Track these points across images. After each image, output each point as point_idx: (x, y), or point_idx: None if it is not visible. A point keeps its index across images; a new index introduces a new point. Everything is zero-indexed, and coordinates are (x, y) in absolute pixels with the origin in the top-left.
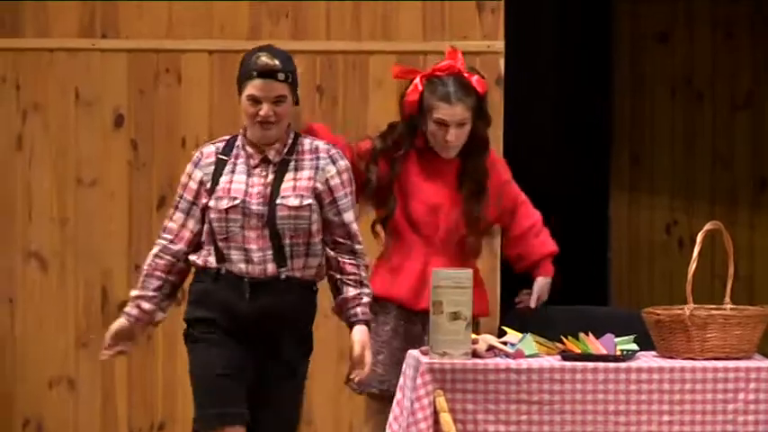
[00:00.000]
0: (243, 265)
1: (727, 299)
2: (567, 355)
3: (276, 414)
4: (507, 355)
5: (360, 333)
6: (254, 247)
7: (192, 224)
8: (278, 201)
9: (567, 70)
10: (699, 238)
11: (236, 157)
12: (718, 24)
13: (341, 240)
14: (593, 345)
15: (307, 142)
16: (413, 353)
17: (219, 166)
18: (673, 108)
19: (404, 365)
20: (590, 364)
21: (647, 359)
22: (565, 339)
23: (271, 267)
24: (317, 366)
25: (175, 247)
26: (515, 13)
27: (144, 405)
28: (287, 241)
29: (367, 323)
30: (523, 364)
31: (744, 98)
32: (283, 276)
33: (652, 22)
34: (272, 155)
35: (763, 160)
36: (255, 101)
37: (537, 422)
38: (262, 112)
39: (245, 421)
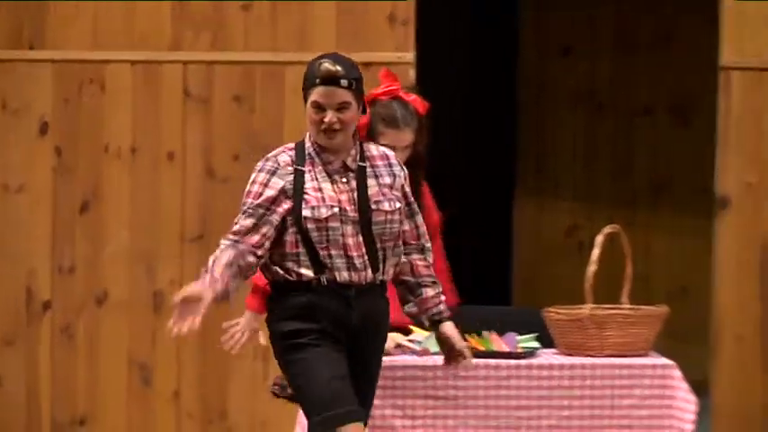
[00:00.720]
0: (346, 273)
1: (625, 298)
2: (473, 353)
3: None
4: (414, 353)
5: (451, 328)
6: (354, 253)
7: (265, 229)
8: (373, 206)
9: (476, 81)
10: (598, 240)
11: (312, 165)
12: (618, 38)
13: (412, 242)
14: (497, 342)
15: (372, 148)
16: None
17: (299, 174)
18: (575, 118)
19: None
20: (493, 361)
21: (548, 356)
22: (469, 337)
23: (369, 273)
24: (233, 361)
25: (241, 246)
26: (426, 25)
27: (66, 401)
28: (380, 245)
29: (450, 319)
30: (429, 361)
31: (642, 109)
32: (378, 281)
33: (556, 36)
34: (349, 161)
35: (659, 167)
36: (319, 108)
37: (442, 417)
38: (326, 119)
39: (365, 419)
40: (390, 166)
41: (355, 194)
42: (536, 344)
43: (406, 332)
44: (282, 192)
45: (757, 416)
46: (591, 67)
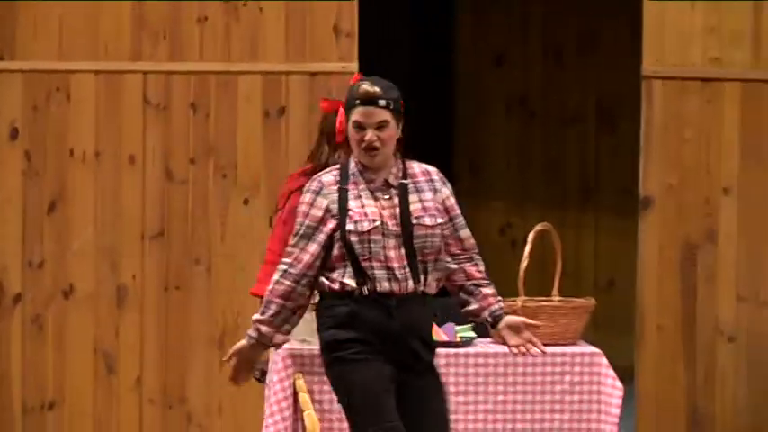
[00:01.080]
0: (387, 284)
1: (555, 291)
2: None
3: (437, 421)
4: None
5: (514, 318)
6: (396, 265)
7: (313, 248)
8: (414, 221)
9: (415, 88)
10: (530, 237)
11: (356, 184)
12: (548, 48)
13: (460, 253)
14: (436, 332)
15: (414, 165)
16: None
17: (342, 193)
18: (508, 123)
19: (268, 352)
20: None
21: (484, 345)
22: None
23: (411, 284)
24: (192, 349)
25: (295, 271)
26: (368, 37)
27: (36, 386)
28: (420, 258)
29: (506, 313)
30: None
31: (571, 116)
32: (419, 291)
33: (490, 47)
34: (391, 179)
35: (587, 170)
36: (360, 127)
37: None
38: (366, 138)
39: None
40: (432, 182)
41: (397, 210)
42: (472, 333)
43: None
44: (327, 211)
45: (679, 400)
46: (523, 75)
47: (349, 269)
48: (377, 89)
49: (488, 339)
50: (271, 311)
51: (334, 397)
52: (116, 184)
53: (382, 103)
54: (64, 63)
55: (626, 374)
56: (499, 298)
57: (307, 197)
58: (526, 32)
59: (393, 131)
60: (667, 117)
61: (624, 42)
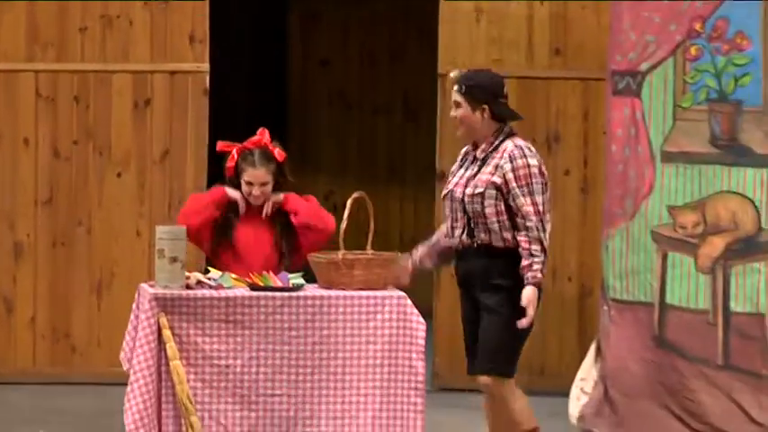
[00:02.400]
0: (456, 239)
1: (369, 247)
2: (253, 287)
3: (483, 342)
4: (211, 287)
5: (526, 291)
6: (458, 224)
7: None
8: (467, 189)
9: (256, 84)
10: (348, 203)
11: (469, 156)
12: (364, 53)
13: (518, 220)
14: (273, 279)
15: (504, 144)
16: (143, 286)
17: (461, 163)
18: (330, 112)
19: (136, 296)
20: (270, 294)
21: (312, 290)
22: (252, 275)
23: (466, 239)
24: (75, 294)
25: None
26: (218, 43)
27: None
28: (473, 219)
29: (535, 285)
30: (223, 293)
31: (382, 107)
32: (476, 245)
33: (317, 51)
34: (478, 153)
35: (394, 151)
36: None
37: (233, 335)
38: (451, 113)
39: (476, 371)
40: (501, 158)
41: (465, 179)
42: (302, 281)
43: (206, 271)
44: (450, 175)
45: None
46: (345, 73)
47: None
48: (455, 76)
49: (315, 285)
50: (428, 241)
51: (189, 331)
52: (14, 160)
53: (457, 87)
54: None
55: (426, 314)
56: (531, 268)
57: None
58: (346, 40)
59: (465, 111)
60: None
61: (425, 50)
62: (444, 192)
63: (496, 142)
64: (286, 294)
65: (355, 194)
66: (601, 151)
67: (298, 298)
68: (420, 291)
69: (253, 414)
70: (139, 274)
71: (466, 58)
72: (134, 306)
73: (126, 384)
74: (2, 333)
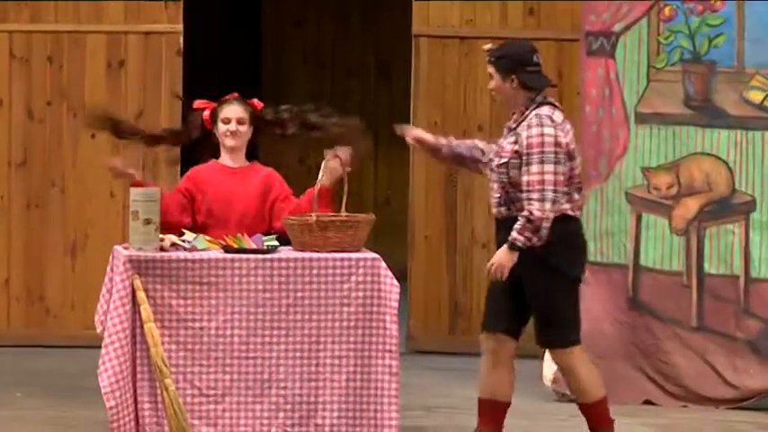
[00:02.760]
0: (495, 209)
1: (343, 208)
2: (228, 249)
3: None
4: (185, 250)
5: (499, 251)
6: (495, 195)
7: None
8: (496, 159)
9: (230, 45)
10: (323, 165)
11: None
12: (337, 14)
13: (523, 189)
14: (247, 241)
15: (534, 112)
16: (117, 248)
17: (504, 133)
18: (304, 73)
19: (111, 258)
20: (244, 256)
21: (286, 252)
22: (225, 237)
23: (503, 210)
24: (49, 256)
25: (480, 145)
26: (192, 3)
27: None
28: (505, 189)
29: (512, 246)
30: (197, 255)
31: (355, 67)
32: (512, 216)
33: (290, 12)
34: (512, 123)
35: (368, 111)
36: None
37: (207, 297)
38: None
39: (493, 330)
40: (523, 127)
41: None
42: (276, 243)
43: (181, 234)
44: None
45: (443, 295)
46: (317, 35)
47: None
48: (487, 47)
49: (289, 247)
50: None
51: (164, 294)
52: None
53: (487, 58)
54: None
55: (401, 275)
56: (516, 229)
57: None
58: (320, 1)
59: (497, 82)
60: (432, 68)
61: (398, 10)
62: (485, 161)
63: (527, 112)
64: (260, 257)
65: (329, 156)
66: (575, 112)
67: (272, 260)
68: (395, 253)
69: (227, 376)
70: (114, 235)
71: (439, 18)
72: (108, 268)
73: (101, 347)
74: None
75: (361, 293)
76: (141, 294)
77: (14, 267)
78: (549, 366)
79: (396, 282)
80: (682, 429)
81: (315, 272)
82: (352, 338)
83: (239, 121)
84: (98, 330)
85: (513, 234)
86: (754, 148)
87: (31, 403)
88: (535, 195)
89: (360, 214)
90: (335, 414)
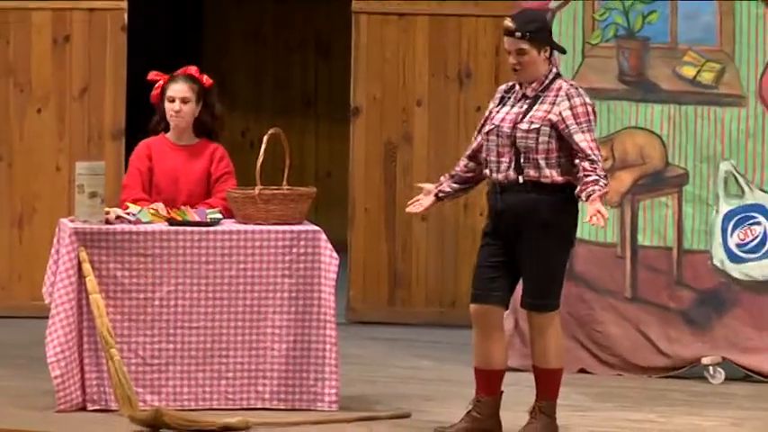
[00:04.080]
0: (496, 174)
1: (285, 182)
2: (172, 222)
3: (528, 276)
4: (130, 222)
5: (591, 201)
6: (503, 159)
7: (478, 138)
8: (520, 125)
9: (172, 22)
10: (264, 139)
11: (513, 93)
12: None
13: (579, 154)
14: (191, 214)
15: (557, 82)
16: (63, 221)
17: (501, 100)
18: (245, 50)
19: (57, 230)
20: (188, 228)
21: (229, 225)
22: (169, 210)
23: (513, 174)
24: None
25: (468, 152)
26: None
27: None
28: (525, 155)
29: (599, 198)
30: (141, 228)
31: (296, 44)
32: (521, 181)
33: None
34: (528, 91)
35: (308, 87)
36: (508, 53)
37: (152, 269)
38: (510, 61)
39: (491, 301)
40: (557, 96)
41: (519, 116)
42: (220, 216)
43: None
44: (490, 112)
45: (382, 266)
46: (259, 11)
47: (486, 160)
48: (512, 25)
49: (232, 220)
50: (450, 172)
51: (109, 265)
52: None
53: (518, 34)
54: None
55: (341, 247)
56: (594, 183)
57: (490, 101)
58: None
59: (532, 56)
60: (371, 43)
61: None
62: (488, 127)
63: (547, 81)
64: (203, 229)
65: (271, 131)
66: None
67: (215, 232)
68: (335, 225)
69: (171, 346)
70: (60, 209)
71: None
72: (55, 240)
73: (47, 318)
74: None
75: (302, 265)
76: (87, 266)
77: None
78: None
79: (335, 254)
80: (615, 397)
81: (257, 244)
82: (293, 309)
83: (183, 101)
84: (45, 301)
85: (594, 187)
86: (687, 122)
87: None
88: (598, 157)
89: (301, 188)
90: (276, 382)
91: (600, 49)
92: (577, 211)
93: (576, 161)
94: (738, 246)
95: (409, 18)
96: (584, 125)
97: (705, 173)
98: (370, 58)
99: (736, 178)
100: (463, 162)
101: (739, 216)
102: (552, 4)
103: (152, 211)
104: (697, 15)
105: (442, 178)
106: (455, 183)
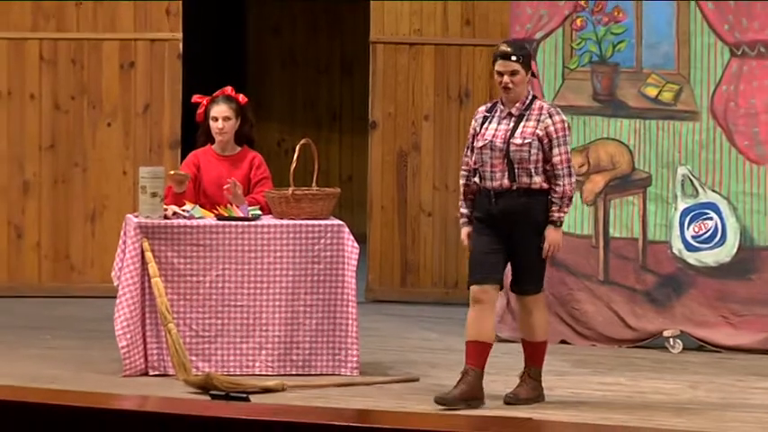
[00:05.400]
0: (490, 182)
1: (314, 184)
2: (219, 217)
3: (524, 270)
4: (185, 218)
5: (553, 232)
6: (497, 170)
7: (470, 155)
8: (511, 140)
9: (221, 49)
10: (297, 148)
11: (495, 113)
12: (308, 21)
13: (550, 168)
14: (235, 211)
15: (537, 103)
16: (129, 216)
17: (484, 119)
18: (281, 72)
19: (123, 224)
20: (233, 223)
21: (267, 220)
22: (218, 207)
23: (507, 182)
24: (73, 223)
25: (465, 172)
26: (189, 15)
27: None
28: (517, 166)
29: (560, 223)
30: (194, 222)
31: (324, 66)
32: (514, 187)
33: (269, 20)
34: (514, 110)
35: (334, 103)
36: (500, 74)
37: (203, 257)
38: (503, 81)
39: (493, 282)
40: (540, 114)
41: (508, 133)
42: (259, 212)
43: (180, 203)
44: (474, 130)
45: (395, 256)
46: (292, 40)
47: (478, 172)
48: (509, 49)
49: (270, 216)
50: (462, 199)
51: (167, 254)
52: (22, 113)
53: (513, 57)
54: None
55: (361, 239)
56: (556, 210)
57: (473, 122)
58: (293, 11)
59: (522, 77)
60: (386, 68)
61: (358, 21)
62: (481, 143)
63: (528, 101)
64: (246, 223)
65: (302, 141)
66: None
67: (255, 226)
68: (356, 221)
69: (219, 321)
70: (126, 206)
71: (392, 27)
72: (122, 233)
73: (116, 297)
74: (13, 254)
75: (328, 254)
76: (149, 254)
77: (44, 232)
78: None
79: (356, 244)
80: (590, 364)
81: (291, 236)
82: (321, 290)
83: (225, 119)
84: (114, 284)
85: (558, 214)
86: (650, 134)
87: (59, 344)
88: (566, 172)
89: (327, 188)
90: (308, 352)
91: (577, 73)
92: None
93: (550, 174)
94: (693, 237)
95: (418, 47)
96: (561, 139)
97: (665, 176)
98: (385, 81)
99: (691, 181)
100: (468, 180)
101: (694, 212)
102: (537, 35)
103: (203, 210)
104: (658, 45)
105: (462, 205)
106: (471, 201)
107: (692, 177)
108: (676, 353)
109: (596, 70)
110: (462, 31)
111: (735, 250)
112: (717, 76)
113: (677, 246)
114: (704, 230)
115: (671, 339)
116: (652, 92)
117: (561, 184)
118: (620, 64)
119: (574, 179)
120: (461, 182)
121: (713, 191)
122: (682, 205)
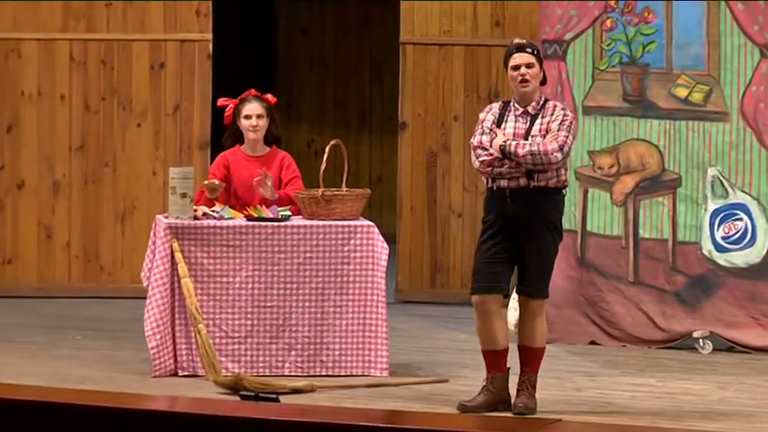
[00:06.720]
0: (505, 182)
1: (344, 185)
2: (249, 218)
3: (533, 271)
4: (215, 218)
5: (500, 141)
6: (513, 169)
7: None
8: (529, 138)
9: (250, 50)
10: (327, 149)
11: (510, 111)
12: (338, 23)
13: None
14: (265, 211)
15: (550, 103)
16: (159, 217)
17: (500, 116)
18: (311, 73)
19: (153, 225)
20: (263, 223)
21: (297, 220)
22: (248, 208)
23: (523, 181)
24: (103, 223)
25: (482, 151)
26: (218, 15)
27: None
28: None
29: (504, 149)
30: (224, 223)
31: (353, 68)
32: (532, 186)
33: (298, 21)
34: (530, 109)
35: (364, 104)
36: (516, 67)
37: (232, 258)
38: (520, 73)
39: (496, 291)
40: (552, 113)
41: (524, 131)
42: (289, 213)
43: (211, 205)
44: (489, 121)
45: (425, 256)
46: (321, 42)
47: (492, 172)
48: (524, 42)
49: (300, 216)
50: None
51: (197, 254)
52: (52, 113)
53: (529, 50)
54: (16, 33)
55: (390, 239)
56: (522, 147)
57: (482, 115)
58: (323, 12)
59: (537, 70)
60: (416, 69)
61: (388, 22)
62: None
63: (542, 101)
64: (276, 224)
65: (332, 142)
66: None
67: (285, 227)
68: (386, 221)
69: (249, 322)
70: (155, 207)
71: (422, 29)
72: (151, 233)
73: (145, 298)
74: (43, 255)
75: (358, 254)
76: (178, 255)
77: (74, 232)
78: (512, 314)
79: (386, 245)
80: (620, 365)
81: (321, 236)
82: (350, 291)
83: (258, 117)
84: (144, 284)
85: (517, 147)
86: (680, 134)
87: (89, 344)
88: (557, 144)
89: (357, 189)
90: (337, 353)
91: (607, 74)
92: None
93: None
94: (723, 238)
95: (447, 48)
96: (565, 126)
97: (695, 177)
98: (414, 81)
99: (721, 182)
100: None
101: (724, 213)
102: (567, 36)
103: (233, 210)
104: (688, 45)
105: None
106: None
107: (721, 178)
108: (706, 354)
109: (626, 71)
110: (492, 31)
111: (765, 251)
112: (747, 77)
113: (707, 246)
114: (734, 231)
115: (701, 340)
116: (682, 93)
117: (548, 143)
118: (650, 65)
119: (560, 156)
120: (484, 158)
121: (743, 191)
122: (712, 206)
